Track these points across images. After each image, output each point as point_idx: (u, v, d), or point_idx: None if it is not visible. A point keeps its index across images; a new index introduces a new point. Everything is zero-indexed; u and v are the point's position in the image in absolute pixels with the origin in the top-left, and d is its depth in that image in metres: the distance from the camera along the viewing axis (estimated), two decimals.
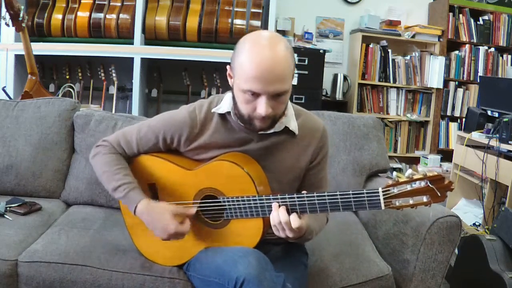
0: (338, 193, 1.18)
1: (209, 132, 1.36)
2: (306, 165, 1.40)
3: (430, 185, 1.11)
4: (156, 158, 1.41)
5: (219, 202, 1.31)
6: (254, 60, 1.16)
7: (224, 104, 1.35)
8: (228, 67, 1.28)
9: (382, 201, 1.14)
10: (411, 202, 1.14)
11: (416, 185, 1.12)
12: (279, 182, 1.36)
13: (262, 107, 1.19)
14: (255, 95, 1.19)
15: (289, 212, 1.21)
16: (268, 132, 1.32)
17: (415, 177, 1.12)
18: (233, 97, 1.28)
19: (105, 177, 1.38)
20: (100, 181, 1.42)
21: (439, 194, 1.11)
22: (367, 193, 1.16)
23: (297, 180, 1.41)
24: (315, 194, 1.20)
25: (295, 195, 1.22)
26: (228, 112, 1.35)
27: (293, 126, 1.36)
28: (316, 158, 1.41)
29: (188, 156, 1.41)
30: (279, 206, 1.21)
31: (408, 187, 1.13)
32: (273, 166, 1.36)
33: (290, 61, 1.20)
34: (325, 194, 1.19)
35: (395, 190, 1.14)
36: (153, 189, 1.41)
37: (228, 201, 1.29)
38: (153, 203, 1.32)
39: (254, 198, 1.25)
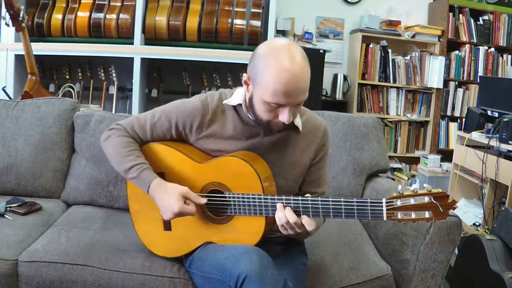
0: (342, 200, 1.21)
1: (220, 121, 1.40)
2: (309, 161, 1.44)
3: (433, 201, 1.12)
4: (167, 148, 1.42)
5: (225, 197, 1.32)
6: (281, 78, 1.20)
7: (236, 97, 1.40)
8: (244, 75, 1.31)
9: (384, 212, 1.17)
10: (413, 216, 1.15)
11: (420, 200, 1.14)
12: (285, 178, 1.40)
13: (286, 117, 1.25)
14: (279, 106, 1.25)
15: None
16: None
17: (419, 191, 1.14)
18: (250, 103, 1.32)
19: (117, 159, 1.40)
20: (111, 163, 1.44)
21: (441, 210, 1.13)
22: (370, 203, 1.18)
23: (302, 176, 1.45)
24: (319, 199, 1.23)
25: (299, 198, 1.25)
26: (239, 105, 1.39)
27: (298, 122, 1.41)
28: (318, 155, 1.45)
29: (197, 146, 1.43)
30: (284, 207, 1.24)
31: (412, 201, 1.14)
32: (279, 161, 1.39)
33: (309, 71, 1.26)
34: (329, 199, 1.22)
35: (399, 203, 1.15)
36: (162, 178, 1.41)
37: (234, 197, 1.31)
38: (164, 182, 1.34)
39: (259, 197, 1.27)
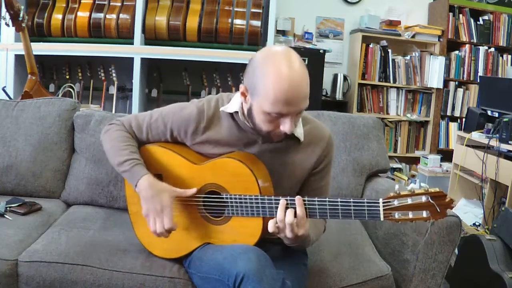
0: (339, 200, 1.20)
1: (216, 128, 1.39)
2: (308, 171, 1.41)
3: (431, 201, 1.12)
4: (164, 149, 1.42)
5: (222, 198, 1.32)
6: (281, 86, 1.16)
7: (233, 104, 1.37)
8: (241, 86, 1.28)
9: (381, 212, 1.16)
10: (410, 216, 1.14)
11: (417, 199, 1.13)
12: (282, 187, 1.37)
13: (288, 126, 1.22)
14: (280, 116, 1.21)
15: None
16: None
17: (416, 191, 1.13)
18: (249, 114, 1.29)
19: (112, 152, 1.41)
20: (107, 156, 1.44)
21: (439, 210, 1.12)
22: (367, 203, 1.18)
23: (299, 184, 1.43)
24: (316, 199, 1.22)
25: (295, 198, 1.23)
26: (236, 112, 1.36)
27: (299, 132, 1.37)
28: (320, 165, 1.42)
29: (194, 149, 1.42)
30: (287, 207, 1.22)
31: (409, 201, 1.14)
32: (277, 169, 1.37)
33: (308, 77, 1.21)
34: (326, 199, 1.21)
35: (396, 203, 1.15)
36: (159, 180, 1.41)
37: (231, 198, 1.30)
38: (155, 180, 1.33)
39: (257, 197, 1.27)
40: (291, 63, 1.18)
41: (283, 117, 1.22)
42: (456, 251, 2.16)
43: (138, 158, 1.38)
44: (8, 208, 1.72)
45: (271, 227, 1.23)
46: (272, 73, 1.17)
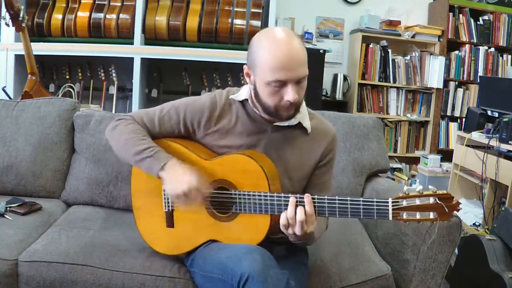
0: (348, 198, 1.22)
1: (228, 117, 1.41)
2: (314, 164, 1.44)
3: (439, 202, 1.14)
4: (174, 144, 1.42)
5: (230, 194, 1.32)
6: (276, 52, 1.24)
7: (242, 93, 1.41)
8: (245, 67, 1.34)
9: (390, 211, 1.18)
10: (418, 216, 1.17)
11: (425, 200, 1.15)
12: (289, 178, 1.40)
13: (290, 94, 1.25)
14: (281, 84, 1.25)
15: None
16: (283, 124, 1.38)
17: (425, 192, 1.15)
18: (255, 93, 1.33)
19: (127, 143, 1.38)
20: (116, 152, 1.43)
21: (446, 211, 1.14)
22: (377, 202, 1.19)
23: (306, 177, 1.45)
24: (325, 197, 1.24)
25: (304, 196, 1.25)
26: (246, 100, 1.40)
27: (307, 124, 1.41)
28: (324, 159, 1.45)
29: (204, 143, 1.43)
30: (297, 205, 1.24)
31: (417, 201, 1.16)
32: (284, 159, 1.40)
33: (303, 47, 1.29)
34: (336, 198, 1.23)
35: (404, 203, 1.17)
36: None
37: (239, 195, 1.31)
38: (184, 163, 1.33)
39: (266, 194, 1.28)
40: (284, 32, 1.27)
41: (284, 86, 1.25)
42: (456, 251, 2.16)
43: (158, 146, 1.37)
44: (8, 208, 1.72)
45: (283, 219, 1.24)
46: (266, 43, 1.26)
